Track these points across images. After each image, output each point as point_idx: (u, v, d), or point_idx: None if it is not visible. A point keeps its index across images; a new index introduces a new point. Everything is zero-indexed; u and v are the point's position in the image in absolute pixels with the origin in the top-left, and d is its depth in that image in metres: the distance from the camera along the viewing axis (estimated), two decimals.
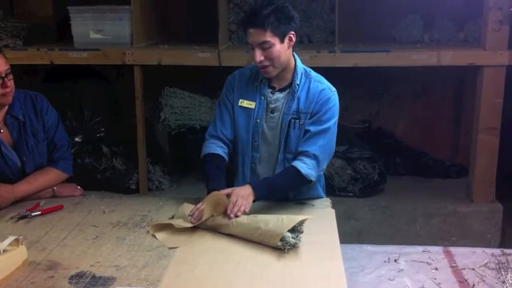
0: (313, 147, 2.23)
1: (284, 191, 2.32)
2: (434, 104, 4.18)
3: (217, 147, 2.35)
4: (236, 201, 2.04)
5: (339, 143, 3.76)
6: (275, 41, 2.17)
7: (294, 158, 2.26)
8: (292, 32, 2.22)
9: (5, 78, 2.30)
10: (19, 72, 2.46)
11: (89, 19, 3.58)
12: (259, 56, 2.18)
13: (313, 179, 2.23)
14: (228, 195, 2.09)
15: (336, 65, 3.42)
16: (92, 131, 3.84)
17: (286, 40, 2.21)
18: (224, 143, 2.37)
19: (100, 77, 3.97)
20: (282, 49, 2.19)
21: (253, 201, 2.13)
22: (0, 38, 3.59)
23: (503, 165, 3.52)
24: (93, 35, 3.59)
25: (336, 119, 2.29)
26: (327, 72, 3.25)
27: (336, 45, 3.50)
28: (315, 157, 2.22)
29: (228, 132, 2.37)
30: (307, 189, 2.38)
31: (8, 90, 2.32)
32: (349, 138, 3.93)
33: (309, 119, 2.27)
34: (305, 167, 2.20)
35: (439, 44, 3.77)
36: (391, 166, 4.00)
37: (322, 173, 2.45)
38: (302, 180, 2.22)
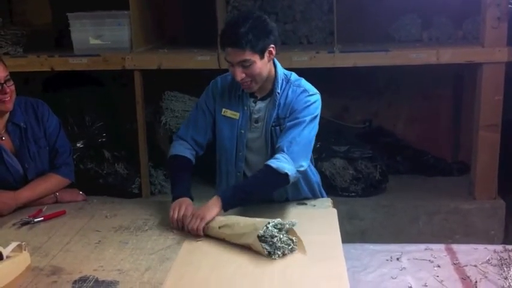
0: (284, 141, 2.17)
1: (260, 192, 2.20)
2: (435, 102, 4.18)
3: (185, 149, 2.34)
4: (189, 222, 2.04)
5: (339, 143, 3.82)
6: (255, 58, 2.12)
7: None
8: (272, 46, 2.17)
9: (4, 85, 2.32)
10: (19, 81, 2.47)
11: (88, 25, 3.59)
12: (240, 74, 2.14)
13: (287, 171, 2.10)
14: None
15: (335, 65, 3.42)
16: (93, 136, 3.85)
17: (266, 54, 2.16)
18: (192, 146, 2.36)
19: (100, 83, 3.97)
20: (262, 65, 2.16)
21: (225, 210, 2.08)
22: (0, 45, 3.60)
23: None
24: (93, 41, 3.60)
25: (313, 116, 2.23)
26: (326, 72, 3.27)
27: (335, 45, 3.50)
28: (287, 149, 2.15)
29: (200, 138, 2.35)
30: (307, 189, 2.39)
31: (6, 96, 2.33)
32: (350, 138, 3.93)
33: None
34: (275, 161, 2.12)
35: (437, 42, 3.77)
36: (393, 165, 3.99)
37: (312, 169, 2.42)
38: (276, 175, 2.11)
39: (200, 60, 3.47)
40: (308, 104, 2.23)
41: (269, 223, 1.87)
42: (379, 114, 4.24)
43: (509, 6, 3.36)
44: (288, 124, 2.21)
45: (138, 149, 3.62)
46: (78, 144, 3.75)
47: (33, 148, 2.48)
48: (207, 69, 3.41)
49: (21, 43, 3.67)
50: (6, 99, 2.34)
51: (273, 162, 2.12)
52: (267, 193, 2.28)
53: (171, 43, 4.03)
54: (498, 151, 3.46)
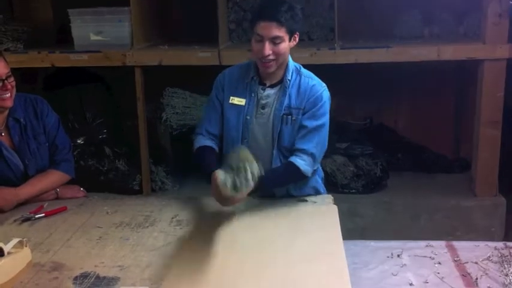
0: (310, 145, 2.28)
1: (281, 185, 2.36)
2: (436, 98, 4.17)
3: (206, 140, 2.38)
4: None
5: (340, 139, 3.82)
6: (286, 38, 2.21)
7: (291, 154, 2.29)
8: (298, 33, 2.27)
9: (5, 81, 2.31)
10: (19, 78, 2.46)
11: (89, 21, 3.59)
12: (268, 49, 2.19)
13: (309, 175, 2.32)
14: None
15: (336, 62, 3.41)
16: (94, 132, 3.84)
17: (292, 39, 2.25)
18: (211, 138, 2.39)
19: (101, 79, 3.97)
20: (288, 47, 2.24)
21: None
22: (1, 41, 3.60)
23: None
24: (94, 37, 3.60)
25: (328, 113, 2.33)
26: (327, 69, 3.26)
27: (336, 42, 3.50)
28: (312, 155, 2.28)
29: (214, 130, 2.39)
30: (308, 185, 2.40)
31: (7, 93, 2.33)
32: (351, 135, 3.92)
33: (303, 115, 2.29)
34: (303, 163, 2.27)
35: (439, 39, 3.76)
36: (394, 162, 3.99)
37: (319, 168, 2.49)
38: (300, 176, 2.30)
39: (201, 56, 3.47)
40: (324, 100, 2.30)
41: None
42: (380, 111, 4.24)
43: (510, 2, 3.35)
44: (310, 126, 2.27)
45: (138, 146, 3.62)
46: (78, 141, 3.74)
47: (33, 144, 2.48)
48: (208, 65, 3.40)
49: (22, 39, 3.67)
50: (7, 95, 2.34)
51: (302, 165, 2.27)
52: (285, 186, 2.39)
53: (171, 39, 4.02)
54: (499, 148, 3.45)
